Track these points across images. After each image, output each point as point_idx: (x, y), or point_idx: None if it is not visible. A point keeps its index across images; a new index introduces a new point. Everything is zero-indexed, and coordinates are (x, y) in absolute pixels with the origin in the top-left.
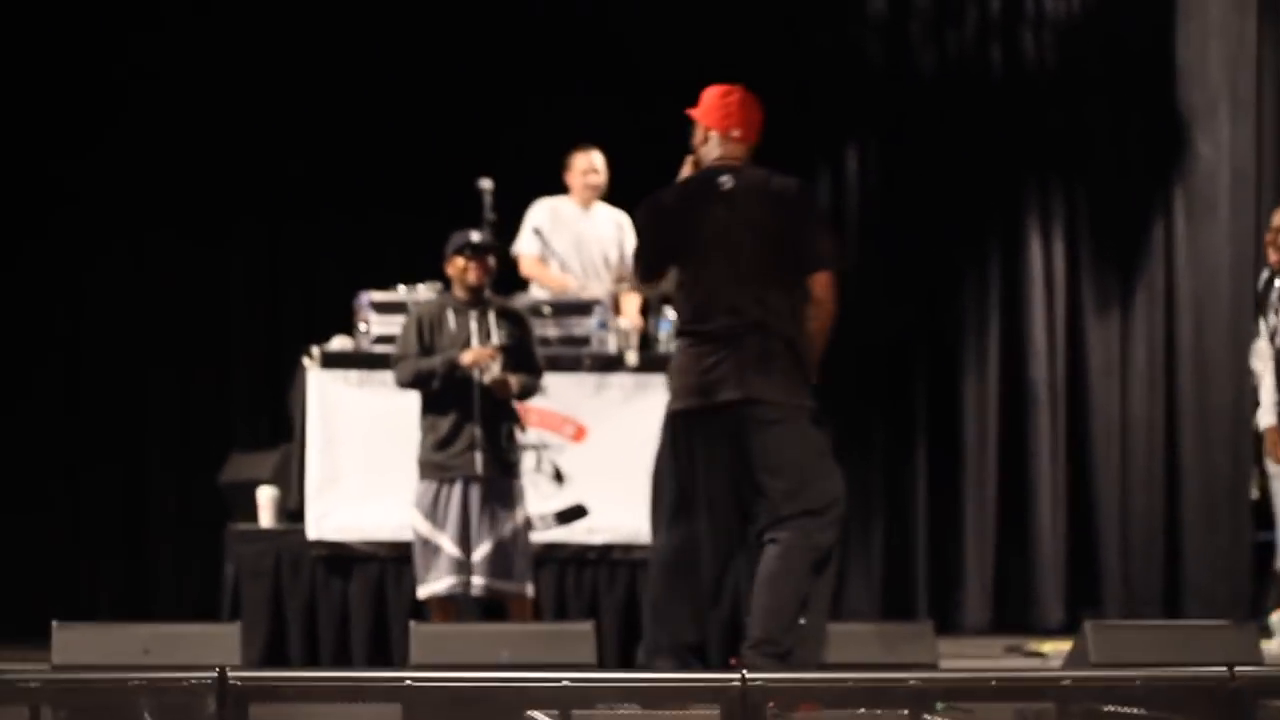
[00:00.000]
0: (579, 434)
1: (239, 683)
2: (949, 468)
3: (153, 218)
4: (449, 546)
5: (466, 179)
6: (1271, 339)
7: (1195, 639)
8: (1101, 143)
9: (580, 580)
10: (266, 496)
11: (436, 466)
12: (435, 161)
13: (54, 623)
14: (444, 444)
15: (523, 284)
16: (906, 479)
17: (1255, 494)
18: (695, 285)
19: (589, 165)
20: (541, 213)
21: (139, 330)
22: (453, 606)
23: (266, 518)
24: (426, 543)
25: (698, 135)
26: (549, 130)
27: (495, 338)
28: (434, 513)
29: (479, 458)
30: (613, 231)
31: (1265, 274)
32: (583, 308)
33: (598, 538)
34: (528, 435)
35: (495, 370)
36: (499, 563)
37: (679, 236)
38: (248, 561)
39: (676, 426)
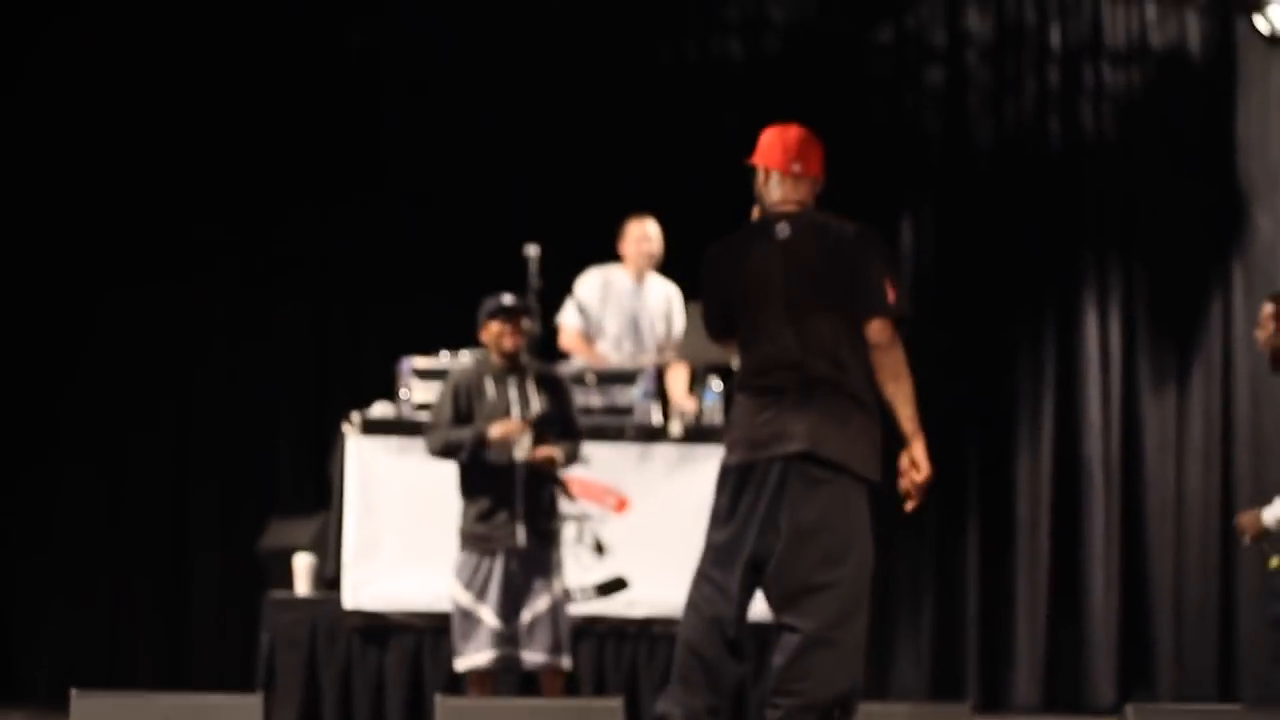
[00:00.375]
0: (621, 505)
1: None
2: (1001, 544)
3: (199, 279)
4: (490, 618)
5: (514, 245)
6: None
7: None
8: (1160, 217)
9: (620, 654)
10: (303, 564)
11: (478, 538)
12: (482, 227)
13: (72, 691)
14: (486, 516)
15: (563, 355)
16: (958, 555)
17: None
18: (755, 340)
19: (643, 234)
20: (591, 285)
21: (185, 394)
22: (490, 680)
23: (303, 586)
24: (467, 614)
25: (759, 179)
26: (599, 195)
27: (535, 405)
28: (474, 583)
29: (520, 530)
30: (662, 304)
31: None
32: (626, 377)
33: (638, 610)
34: (569, 505)
35: (526, 444)
36: (537, 635)
37: (737, 289)
38: (283, 630)
39: (723, 480)
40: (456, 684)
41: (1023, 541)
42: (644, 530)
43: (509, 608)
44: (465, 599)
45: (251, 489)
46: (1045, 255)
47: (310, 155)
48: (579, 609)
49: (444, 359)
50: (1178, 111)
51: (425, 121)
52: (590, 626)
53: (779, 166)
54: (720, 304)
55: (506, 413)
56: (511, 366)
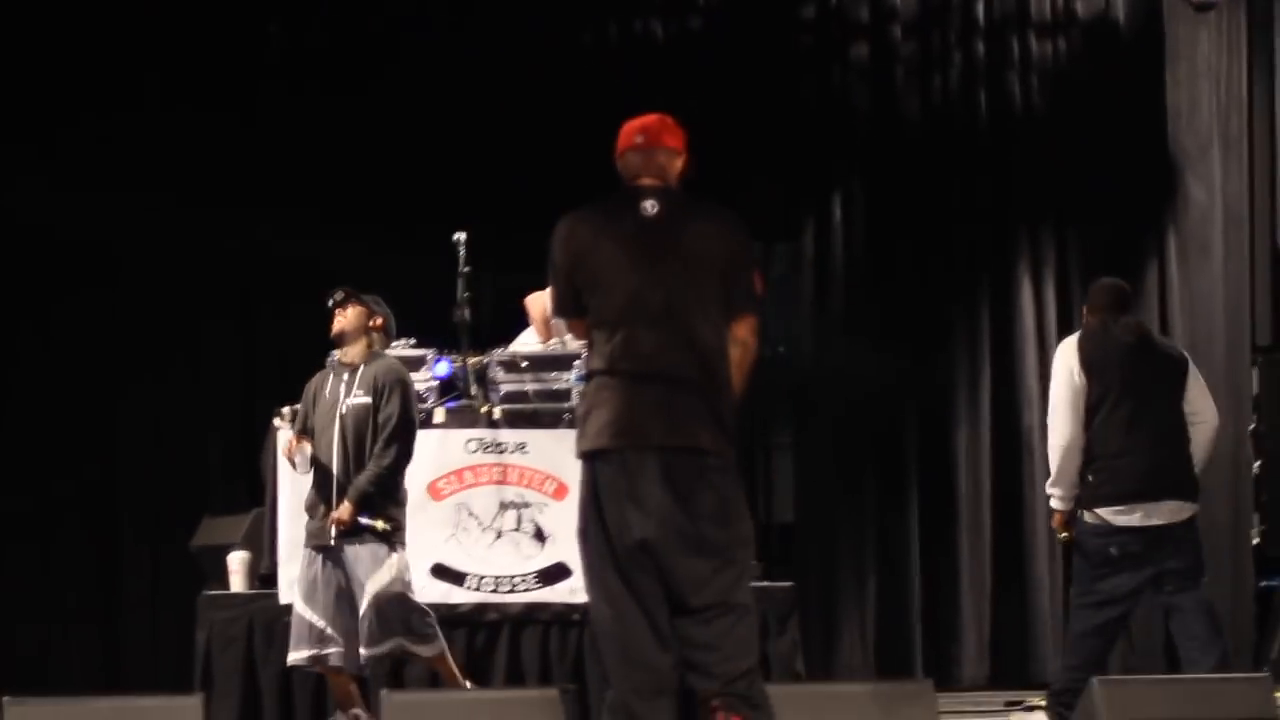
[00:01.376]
0: (560, 491)
1: None
2: (943, 519)
3: (129, 273)
4: (311, 615)
5: (443, 231)
6: None
7: (1209, 693)
8: (1092, 187)
9: (565, 642)
10: (238, 561)
11: (307, 535)
12: (410, 216)
13: (4, 698)
14: (310, 514)
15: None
16: (900, 531)
17: (1256, 539)
18: (617, 323)
19: None
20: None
21: (112, 393)
22: (343, 674)
23: (238, 583)
24: (295, 611)
25: (617, 167)
26: (525, 180)
27: (352, 401)
28: (304, 580)
29: (333, 529)
30: None
31: None
32: (562, 362)
33: (581, 597)
34: (507, 493)
35: (303, 463)
36: (367, 630)
37: (594, 265)
38: (219, 628)
39: (596, 470)
40: (399, 679)
41: (965, 515)
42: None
43: (329, 606)
44: (292, 596)
45: (183, 486)
46: (978, 228)
47: (243, 139)
48: (522, 597)
49: None
50: (1106, 81)
51: (353, 104)
52: (533, 615)
53: (626, 143)
54: (573, 280)
55: (330, 410)
56: (349, 362)
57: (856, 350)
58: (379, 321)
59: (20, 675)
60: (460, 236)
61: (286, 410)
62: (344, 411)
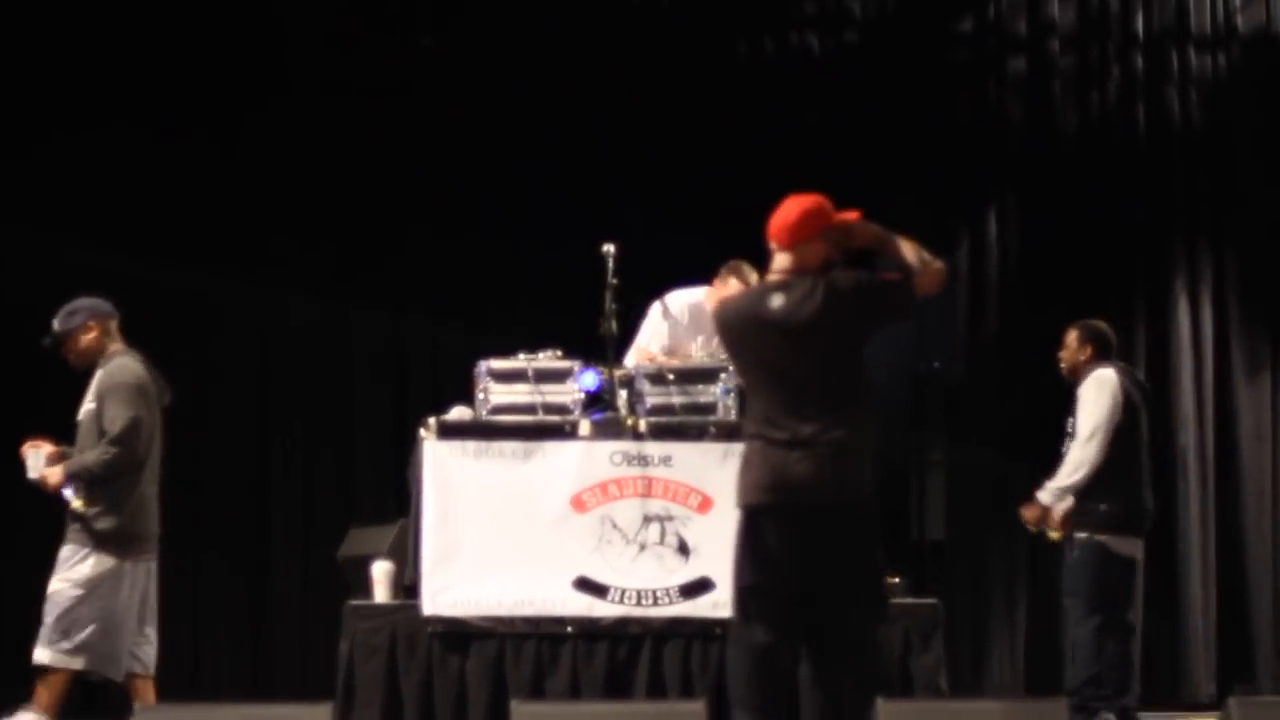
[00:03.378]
0: (705, 505)
1: None
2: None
3: (278, 286)
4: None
5: (592, 244)
6: None
7: None
8: (1250, 203)
9: (706, 656)
10: (382, 571)
11: None
12: (560, 228)
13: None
14: None
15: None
16: (1050, 551)
17: None
18: (756, 398)
19: (749, 284)
20: (693, 303)
21: (263, 403)
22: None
23: (382, 593)
24: None
25: None
26: (678, 193)
27: (85, 408)
28: None
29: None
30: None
31: None
32: (707, 374)
33: (724, 612)
34: (652, 506)
35: (35, 463)
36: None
37: (740, 352)
38: (362, 638)
39: (752, 522)
40: (540, 690)
41: None
42: (728, 530)
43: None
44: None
45: (332, 497)
46: (1134, 243)
47: (390, 154)
48: (664, 611)
49: (521, 360)
50: (1266, 96)
51: (502, 119)
52: (675, 629)
53: (770, 240)
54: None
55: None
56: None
57: (1010, 367)
58: (91, 335)
59: (170, 683)
60: (609, 248)
61: (433, 421)
62: (80, 418)
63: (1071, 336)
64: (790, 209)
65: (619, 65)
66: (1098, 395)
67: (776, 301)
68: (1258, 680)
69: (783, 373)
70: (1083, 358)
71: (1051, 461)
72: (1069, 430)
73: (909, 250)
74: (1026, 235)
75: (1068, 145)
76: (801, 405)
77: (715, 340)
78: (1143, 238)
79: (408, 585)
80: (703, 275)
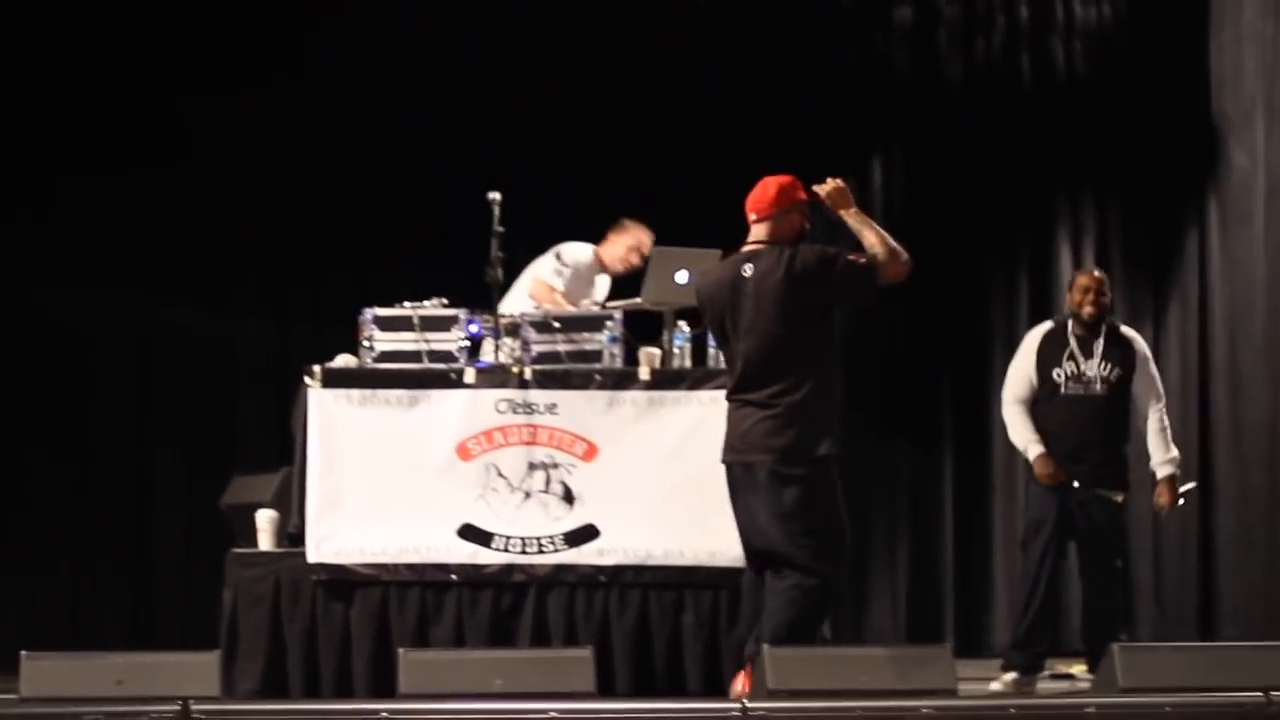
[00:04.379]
0: (590, 453)
1: (203, 715)
2: (978, 484)
3: (163, 238)
4: None
5: (477, 192)
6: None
7: (1229, 662)
8: (1133, 153)
9: (590, 604)
10: (266, 519)
11: None
12: (443, 176)
13: (22, 653)
14: None
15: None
16: (934, 495)
17: None
18: (732, 362)
19: (639, 245)
20: (585, 258)
21: (144, 350)
22: None
23: (266, 541)
24: None
25: None
26: (562, 142)
27: None
28: None
29: None
30: (604, 290)
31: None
32: (593, 322)
33: (609, 559)
34: (537, 454)
35: None
36: None
37: (718, 318)
38: (246, 586)
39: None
40: (425, 637)
41: (999, 480)
42: (614, 477)
43: None
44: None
45: (214, 445)
46: (1018, 192)
47: (275, 107)
48: (548, 559)
49: (407, 308)
50: (1150, 46)
51: (390, 66)
52: (559, 577)
53: (748, 213)
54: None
55: None
56: None
57: (893, 314)
58: None
59: (51, 631)
60: (495, 196)
61: (318, 369)
62: None
63: (1104, 279)
64: (767, 185)
65: (504, 15)
66: (1151, 358)
67: (748, 270)
68: (1137, 627)
69: (750, 337)
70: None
71: (930, 407)
72: (1109, 378)
73: (877, 239)
74: (911, 183)
75: (953, 94)
76: (765, 369)
77: (603, 299)
78: (1026, 186)
79: (292, 533)
80: (592, 226)
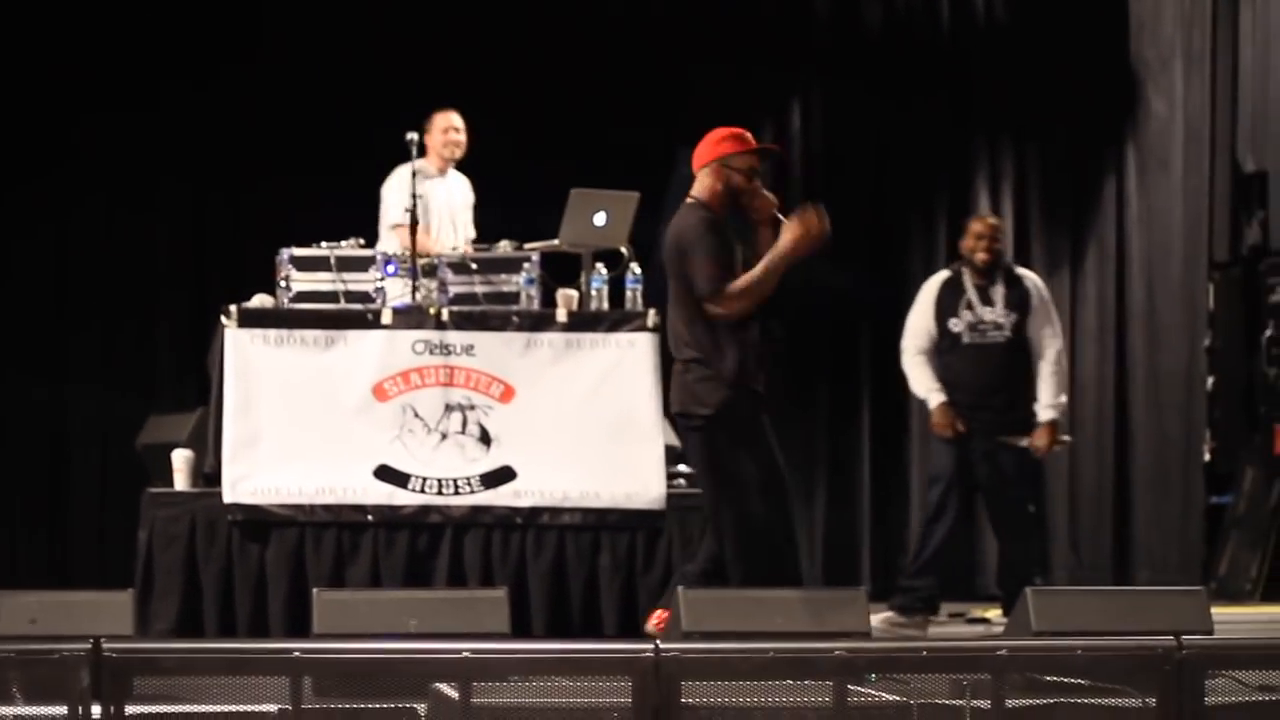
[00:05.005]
0: (507, 394)
1: (114, 655)
2: (893, 431)
3: (78, 181)
4: None
5: (395, 132)
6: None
7: (1142, 606)
8: (1052, 99)
9: (507, 546)
10: (182, 459)
11: None
12: (362, 116)
13: None
14: None
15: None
16: (850, 443)
17: (1208, 456)
18: None
19: (449, 125)
20: (405, 180)
21: (62, 293)
22: None
23: (182, 481)
24: None
25: None
26: (471, 77)
27: None
28: None
29: None
30: (464, 191)
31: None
32: (511, 264)
33: (525, 501)
34: (453, 395)
35: None
36: None
37: None
38: (162, 526)
39: None
40: (340, 578)
41: (916, 428)
42: (530, 419)
43: None
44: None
45: (131, 384)
46: (936, 138)
47: (191, 30)
48: (464, 500)
49: (324, 248)
50: None
51: (300, 10)
52: (476, 518)
53: None
54: None
55: None
56: None
57: (810, 260)
58: None
59: None
60: (412, 136)
61: (234, 309)
62: None
63: (998, 225)
64: (704, 139)
65: None
66: (1051, 303)
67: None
68: (1052, 573)
69: None
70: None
71: (848, 353)
72: (1004, 325)
73: (758, 285)
74: (829, 128)
75: (872, 38)
76: (669, 325)
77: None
78: (945, 133)
79: (208, 474)
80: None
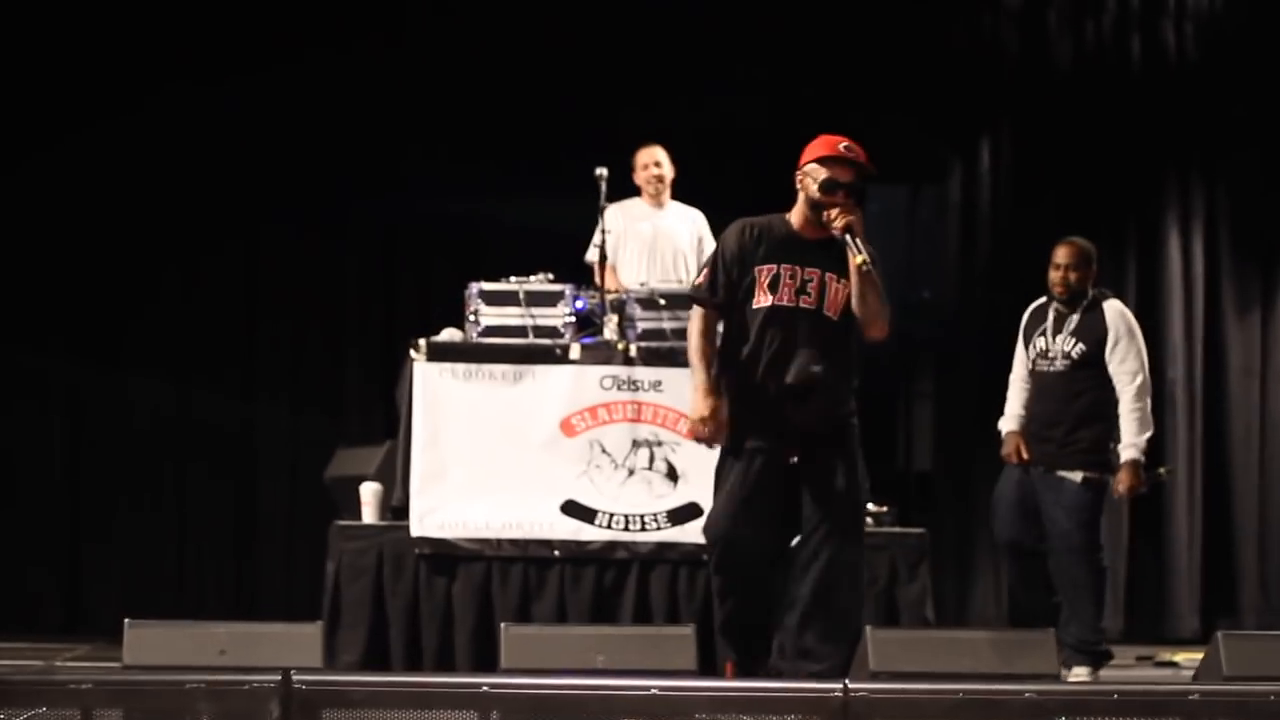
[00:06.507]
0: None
1: (304, 686)
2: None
3: (267, 211)
4: None
5: (584, 168)
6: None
7: None
8: (1244, 138)
9: (693, 583)
10: (370, 492)
11: None
12: (552, 151)
13: (126, 621)
14: None
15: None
16: None
17: None
18: None
19: (651, 159)
20: (609, 218)
21: (252, 324)
22: None
23: (370, 514)
24: None
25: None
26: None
27: None
28: None
29: None
30: (685, 226)
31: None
32: None
33: None
34: (641, 431)
35: None
36: None
37: None
38: (349, 559)
39: None
40: (527, 613)
41: None
42: (715, 456)
43: None
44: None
45: (319, 417)
46: (1127, 177)
47: (385, 78)
48: (651, 536)
49: (512, 283)
50: (1261, 29)
51: (493, 46)
52: (662, 555)
53: None
54: None
55: None
56: None
57: (1000, 298)
58: None
59: (157, 601)
60: (601, 172)
61: (423, 342)
62: None
63: (1080, 254)
64: None
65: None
66: (1136, 333)
67: None
68: (1241, 615)
69: None
70: (1091, 279)
71: None
72: (1070, 354)
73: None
74: (1019, 166)
75: (1062, 77)
76: None
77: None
78: (1135, 171)
79: (395, 507)
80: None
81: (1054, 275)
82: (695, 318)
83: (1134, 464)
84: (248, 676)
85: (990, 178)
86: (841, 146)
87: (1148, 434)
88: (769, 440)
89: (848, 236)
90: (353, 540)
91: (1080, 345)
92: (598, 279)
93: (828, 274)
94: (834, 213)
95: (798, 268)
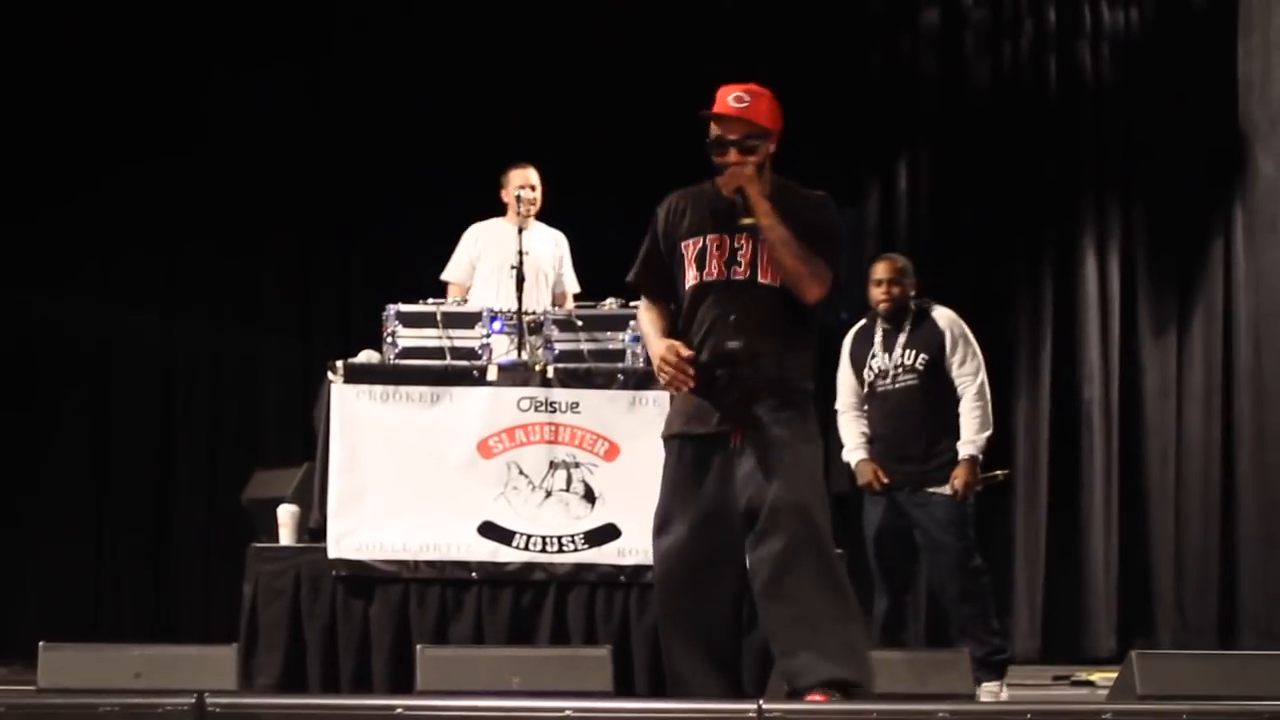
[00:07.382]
0: (611, 452)
1: (218, 709)
2: (999, 492)
3: (185, 232)
4: None
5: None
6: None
7: (1249, 670)
8: (1159, 159)
9: (610, 604)
10: (287, 514)
11: None
12: (470, 173)
13: (40, 644)
14: None
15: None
16: None
17: None
18: None
19: (525, 181)
20: (469, 237)
21: (169, 345)
22: None
23: (287, 536)
24: None
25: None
26: (583, 139)
27: None
28: None
29: None
30: (548, 249)
31: (863, 323)
32: (616, 321)
33: (629, 559)
34: (558, 452)
35: None
36: None
37: None
38: (266, 581)
39: None
40: (444, 635)
41: (1021, 486)
42: (635, 477)
43: None
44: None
45: (236, 439)
46: (1044, 198)
47: (298, 101)
48: (568, 558)
49: (430, 305)
50: (1178, 52)
51: (415, 61)
52: (579, 576)
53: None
54: None
55: None
56: None
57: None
58: None
59: (71, 625)
60: (521, 192)
61: (340, 364)
62: None
63: (898, 268)
64: None
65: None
66: (970, 335)
67: None
68: (1158, 635)
69: None
70: (913, 292)
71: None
72: (913, 366)
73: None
74: (936, 188)
75: (979, 99)
76: None
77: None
78: (1052, 192)
79: (313, 529)
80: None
81: (876, 292)
82: (640, 306)
83: (972, 461)
84: (162, 700)
85: (908, 200)
86: (730, 99)
87: (987, 433)
88: (706, 425)
89: (738, 198)
90: (270, 562)
91: (922, 355)
92: (454, 295)
93: (760, 240)
94: (727, 173)
95: (725, 237)
